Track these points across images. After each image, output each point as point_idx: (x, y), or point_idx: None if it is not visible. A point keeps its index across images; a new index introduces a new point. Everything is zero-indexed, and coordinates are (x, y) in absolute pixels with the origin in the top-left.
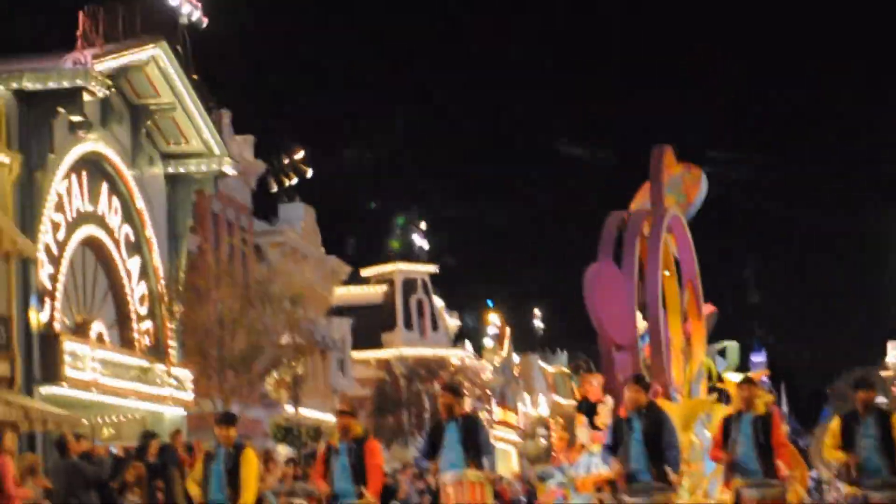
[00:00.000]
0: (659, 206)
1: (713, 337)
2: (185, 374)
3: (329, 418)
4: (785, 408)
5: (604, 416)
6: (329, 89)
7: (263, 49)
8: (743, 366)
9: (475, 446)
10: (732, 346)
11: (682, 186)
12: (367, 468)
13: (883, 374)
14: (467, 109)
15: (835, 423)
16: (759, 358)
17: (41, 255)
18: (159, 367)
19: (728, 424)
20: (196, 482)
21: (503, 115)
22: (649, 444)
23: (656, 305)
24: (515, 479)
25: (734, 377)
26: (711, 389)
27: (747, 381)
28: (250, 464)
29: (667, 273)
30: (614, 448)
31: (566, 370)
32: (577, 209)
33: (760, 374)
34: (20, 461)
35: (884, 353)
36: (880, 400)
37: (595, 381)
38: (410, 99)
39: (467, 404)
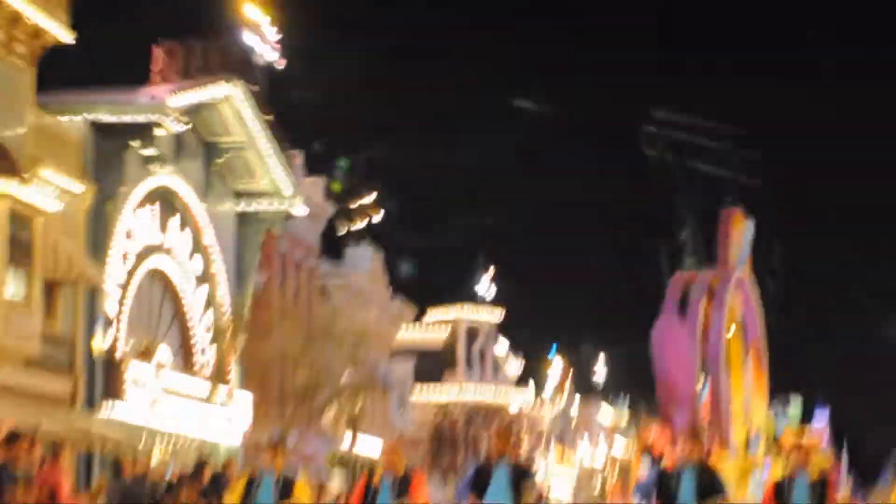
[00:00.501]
0: (724, 265)
1: (778, 389)
2: (246, 397)
3: None
4: (845, 466)
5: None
6: (404, 133)
7: (340, 90)
8: (806, 419)
9: (519, 488)
10: (796, 400)
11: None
12: (411, 498)
13: None
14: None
15: (769, 491)
16: (822, 415)
17: (109, 285)
18: (221, 391)
19: (781, 488)
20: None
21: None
22: (701, 499)
23: (718, 362)
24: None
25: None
26: (769, 450)
27: (801, 447)
28: (304, 492)
29: (732, 329)
30: (650, 497)
31: (626, 416)
32: (647, 260)
33: (817, 440)
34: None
35: None
36: None
37: (654, 429)
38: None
39: (524, 449)
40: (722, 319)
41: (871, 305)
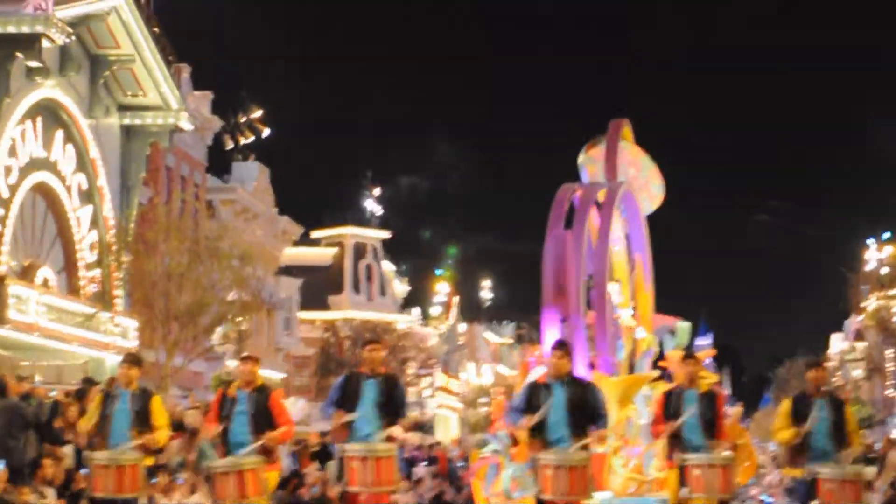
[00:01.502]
0: (613, 179)
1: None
2: (130, 324)
3: (273, 375)
4: (727, 391)
5: None
6: (291, 48)
7: (227, 4)
8: (690, 347)
9: (393, 407)
10: (683, 326)
11: (647, 182)
12: (274, 416)
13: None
14: (429, 61)
15: (784, 404)
16: (705, 341)
17: None
18: (104, 315)
19: (669, 399)
20: (89, 423)
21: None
22: (573, 412)
23: (604, 277)
24: (454, 445)
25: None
26: (654, 366)
27: (691, 357)
28: (161, 408)
29: (617, 248)
30: (524, 412)
31: (511, 341)
32: (535, 179)
33: (706, 354)
34: None
35: (827, 345)
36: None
37: (537, 352)
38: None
39: (411, 369)
40: (608, 232)
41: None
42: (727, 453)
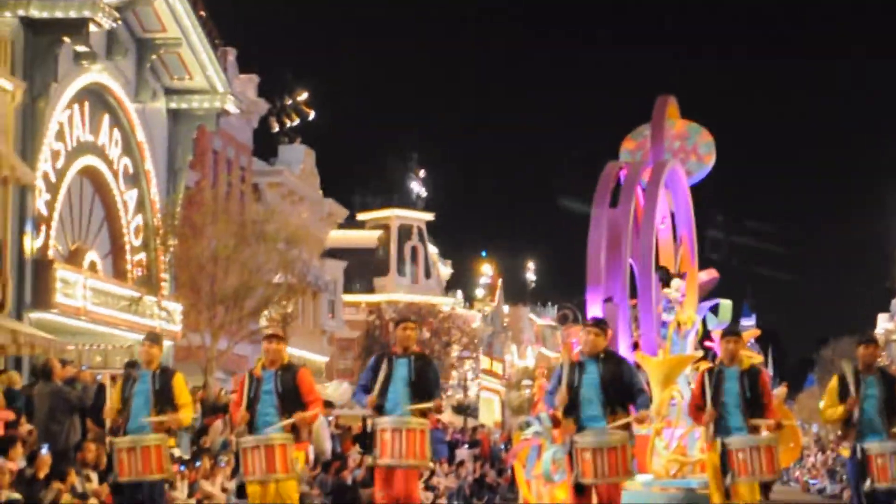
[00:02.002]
0: (659, 156)
1: (707, 298)
2: (176, 307)
3: (317, 358)
4: (771, 372)
5: None
6: (336, 30)
7: None
8: (734, 326)
9: (426, 387)
10: (726, 304)
11: (694, 147)
12: (302, 395)
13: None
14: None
15: (833, 382)
16: (748, 322)
17: (39, 183)
18: (150, 299)
19: (709, 378)
20: (113, 408)
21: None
22: (607, 389)
23: (649, 258)
24: (497, 428)
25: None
26: (699, 347)
27: (732, 333)
28: (184, 386)
29: (662, 226)
30: (554, 392)
31: (554, 323)
32: (581, 161)
33: (751, 335)
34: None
35: (873, 325)
36: None
37: (581, 333)
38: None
39: (454, 351)
40: (654, 212)
41: (805, 217)
42: (769, 434)
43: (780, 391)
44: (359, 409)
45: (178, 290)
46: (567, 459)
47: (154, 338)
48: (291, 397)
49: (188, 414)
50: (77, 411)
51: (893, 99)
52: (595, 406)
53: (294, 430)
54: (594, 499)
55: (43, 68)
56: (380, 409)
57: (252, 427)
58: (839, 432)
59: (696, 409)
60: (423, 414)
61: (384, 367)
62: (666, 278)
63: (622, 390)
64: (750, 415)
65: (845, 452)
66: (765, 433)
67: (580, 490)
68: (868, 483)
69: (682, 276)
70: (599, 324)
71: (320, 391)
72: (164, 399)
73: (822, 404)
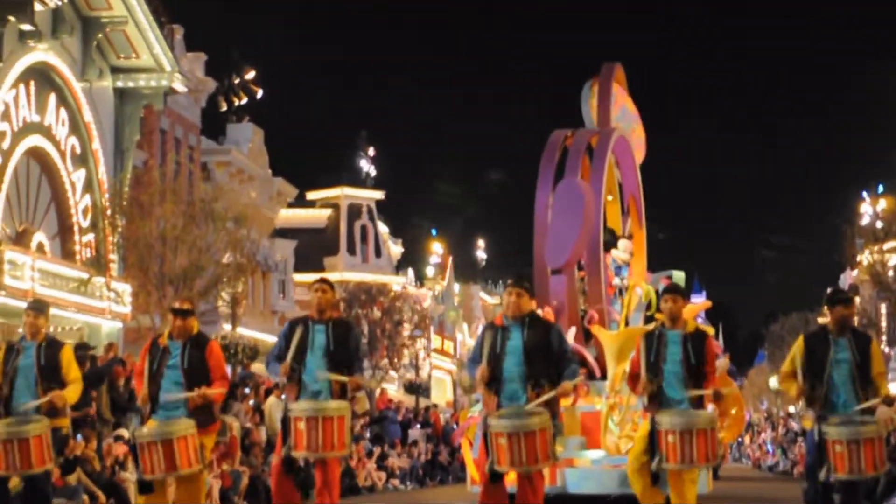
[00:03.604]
0: (606, 124)
1: (657, 266)
2: (125, 288)
3: (268, 338)
4: (721, 347)
5: None
6: (283, 7)
7: None
8: (686, 297)
9: (346, 356)
10: (678, 275)
11: (631, 133)
12: (210, 368)
13: (820, 320)
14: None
15: (797, 345)
16: (699, 298)
17: None
18: (99, 280)
19: (649, 341)
20: None
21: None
22: (531, 358)
23: (597, 228)
24: (449, 407)
25: None
26: (650, 319)
27: (672, 290)
28: (73, 360)
29: (609, 198)
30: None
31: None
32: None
33: (702, 306)
34: None
35: (827, 308)
36: None
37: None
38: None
39: (406, 330)
40: (601, 180)
41: (755, 199)
42: (706, 415)
43: (723, 362)
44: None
45: (127, 271)
46: (482, 443)
47: (38, 306)
48: (199, 373)
49: (75, 390)
50: None
51: (839, 68)
52: (516, 379)
53: (199, 410)
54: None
55: None
56: (297, 381)
57: (154, 404)
58: (801, 402)
59: (635, 379)
60: (341, 389)
61: (299, 333)
62: (612, 241)
63: (549, 359)
64: (692, 385)
65: (808, 423)
66: (701, 413)
67: (495, 477)
68: (824, 471)
69: (629, 237)
70: (521, 282)
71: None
72: (50, 374)
73: (782, 369)
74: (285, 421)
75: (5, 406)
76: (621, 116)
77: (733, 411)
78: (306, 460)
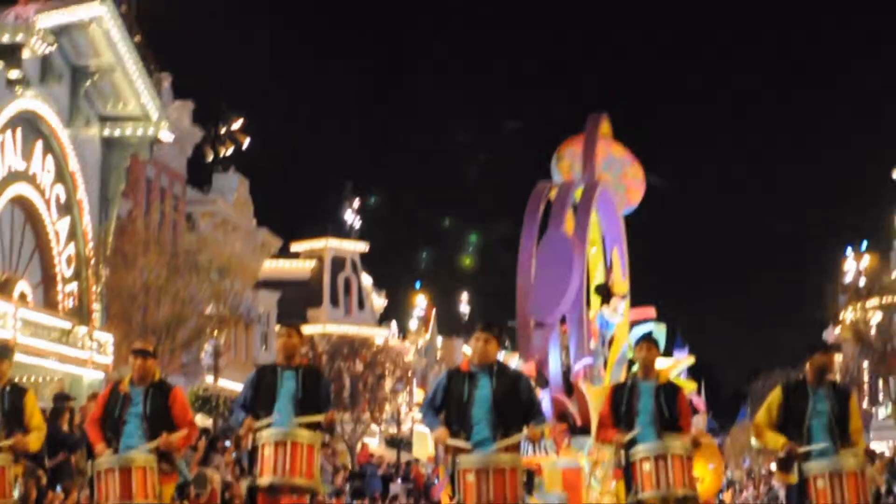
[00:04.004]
0: (590, 176)
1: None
2: (108, 338)
3: None
4: (702, 406)
5: None
6: (271, 57)
7: (207, 15)
8: (668, 353)
9: (315, 404)
10: (660, 328)
11: (622, 176)
12: (174, 416)
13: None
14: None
15: (774, 396)
16: (681, 354)
17: None
18: (81, 330)
19: (619, 393)
20: None
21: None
22: (499, 406)
23: (583, 283)
24: (430, 461)
25: (659, 362)
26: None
27: (646, 339)
28: (36, 406)
29: (593, 250)
30: (440, 409)
31: None
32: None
33: (686, 362)
34: None
35: (804, 358)
36: None
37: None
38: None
39: (388, 384)
40: (585, 232)
41: (738, 249)
42: (681, 442)
43: (698, 419)
44: None
45: (110, 321)
46: (447, 483)
47: (3, 351)
48: (162, 421)
49: (37, 437)
50: None
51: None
52: (485, 428)
53: (162, 457)
54: None
55: None
56: (265, 428)
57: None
58: (779, 458)
59: (604, 428)
60: (314, 428)
61: (267, 380)
62: (606, 296)
63: (518, 409)
64: (666, 435)
65: (792, 479)
66: (676, 438)
67: None
68: None
69: (623, 296)
70: (491, 328)
71: None
72: (14, 420)
73: (756, 420)
74: (253, 451)
75: None
76: (607, 166)
77: (711, 466)
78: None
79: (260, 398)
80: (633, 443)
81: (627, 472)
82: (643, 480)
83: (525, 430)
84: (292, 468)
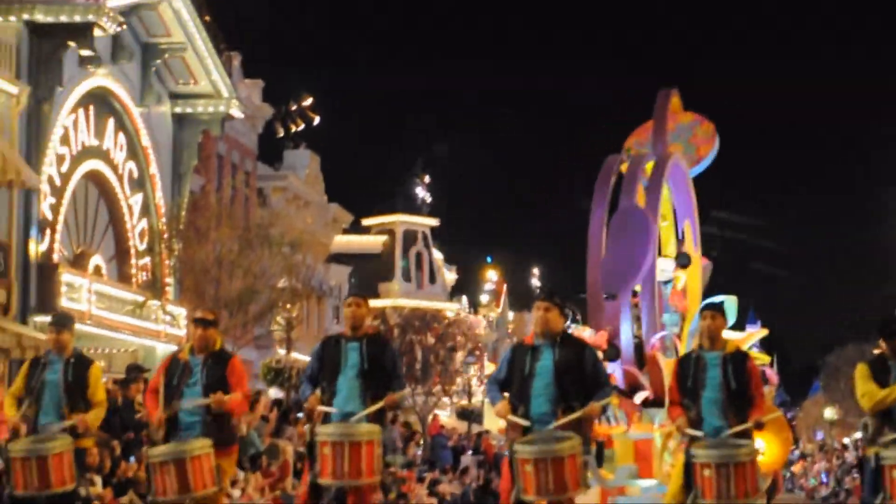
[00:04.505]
0: (662, 150)
1: (709, 292)
2: (180, 312)
3: None
4: (775, 379)
5: None
6: (341, 35)
7: None
8: (739, 327)
9: (383, 377)
10: (731, 300)
11: (691, 138)
12: (231, 386)
13: (876, 352)
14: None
15: (861, 368)
16: (754, 328)
17: (44, 187)
18: (154, 303)
19: (685, 366)
20: (14, 397)
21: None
22: (561, 378)
23: (654, 254)
24: (501, 433)
25: (732, 335)
26: None
27: (710, 307)
28: (100, 380)
29: (664, 224)
30: (506, 383)
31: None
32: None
33: (759, 333)
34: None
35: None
36: None
37: (584, 333)
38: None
39: (459, 357)
40: (657, 206)
41: (809, 223)
42: (746, 446)
43: (768, 390)
44: None
45: (183, 295)
46: (507, 469)
47: (61, 320)
48: (220, 389)
49: (97, 415)
50: None
51: None
52: (544, 402)
53: (217, 429)
54: None
55: (48, 72)
56: (327, 402)
57: (172, 425)
58: (869, 429)
59: (673, 407)
60: (378, 415)
61: (331, 351)
62: (686, 263)
63: (581, 381)
64: (734, 411)
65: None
66: (741, 444)
67: None
68: (880, 498)
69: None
70: (551, 297)
71: None
72: (77, 393)
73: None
74: (311, 446)
75: (31, 427)
76: (676, 136)
77: (783, 434)
78: (340, 489)
79: (324, 369)
80: (704, 432)
81: (688, 470)
82: (704, 487)
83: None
84: (351, 470)
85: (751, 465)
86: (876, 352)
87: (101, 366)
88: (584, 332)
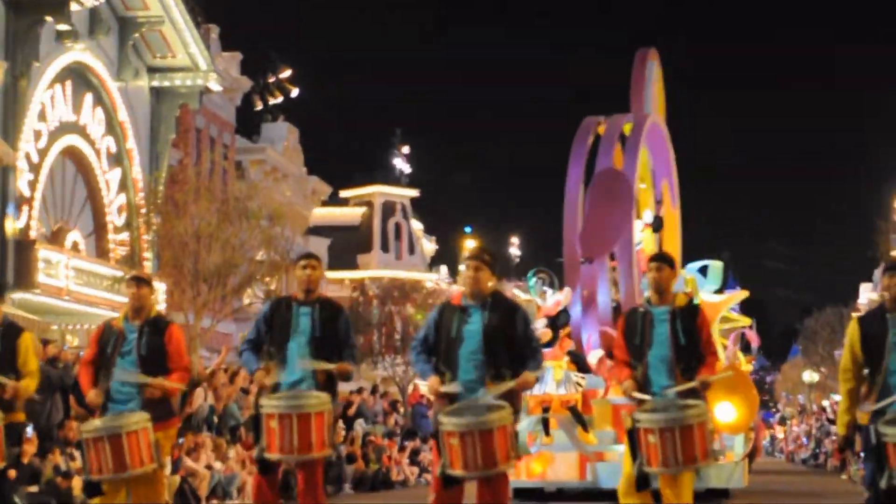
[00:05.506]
0: (639, 111)
1: (692, 258)
2: (159, 286)
3: None
4: (756, 340)
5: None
6: (318, 6)
7: None
8: (723, 290)
9: (335, 343)
10: (716, 265)
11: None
12: (169, 356)
13: (854, 315)
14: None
15: (852, 329)
16: (733, 292)
17: (21, 163)
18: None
19: (632, 322)
20: None
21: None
22: (490, 342)
23: (632, 217)
24: None
25: (713, 297)
26: None
27: (658, 258)
28: (31, 349)
29: (643, 186)
30: (429, 348)
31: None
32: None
33: (740, 296)
34: None
35: (856, 296)
36: None
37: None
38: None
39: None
40: (634, 168)
41: (787, 188)
42: (693, 408)
43: (748, 357)
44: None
45: (161, 269)
46: (433, 445)
47: None
48: (157, 362)
49: (31, 383)
50: (59, 390)
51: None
52: (472, 369)
53: (155, 403)
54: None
55: (25, 47)
56: (275, 370)
57: (106, 398)
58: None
59: (619, 367)
60: (327, 379)
61: (281, 315)
62: (658, 226)
63: (512, 346)
64: (682, 368)
65: (864, 419)
66: (688, 406)
67: (448, 482)
68: (886, 478)
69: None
70: (482, 255)
71: None
72: (6, 363)
73: (841, 365)
74: (257, 419)
75: None
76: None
77: (748, 393)
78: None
79: (273, 335)
80: (650, 392)
81: (632, 437)
82: (649, 454)
83: (518, 378)
84: (301, 444)
85: (699, 427)
86: (874, 297)
87: (79, 341)
88: (560, 296)
